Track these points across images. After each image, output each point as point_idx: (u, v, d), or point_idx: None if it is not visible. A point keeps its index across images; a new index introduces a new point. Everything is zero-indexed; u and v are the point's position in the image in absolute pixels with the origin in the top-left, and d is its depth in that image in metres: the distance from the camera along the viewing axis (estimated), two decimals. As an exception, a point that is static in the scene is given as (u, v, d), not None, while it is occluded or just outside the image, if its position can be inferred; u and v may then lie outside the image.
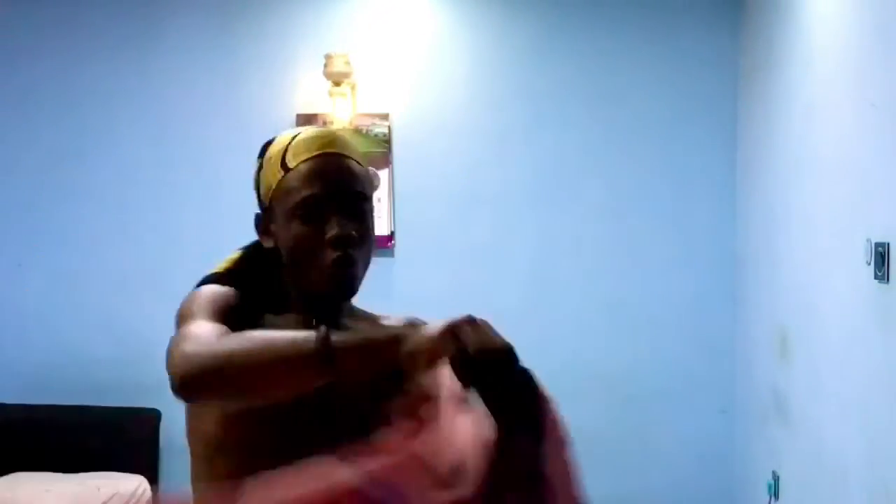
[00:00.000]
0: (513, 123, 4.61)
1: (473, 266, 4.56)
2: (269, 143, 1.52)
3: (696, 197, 4.55)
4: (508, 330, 1.26)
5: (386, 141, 4.52)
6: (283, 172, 1.45)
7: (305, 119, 4.52)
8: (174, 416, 4.56)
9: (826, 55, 3.22)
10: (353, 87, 4.53)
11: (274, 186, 1.46)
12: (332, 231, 1.41)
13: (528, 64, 4.61)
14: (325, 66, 4.43)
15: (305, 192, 1.42)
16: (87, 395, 4.51)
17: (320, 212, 1.42)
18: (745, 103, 4.40)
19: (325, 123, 4.50)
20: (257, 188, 1.52)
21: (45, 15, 4.66)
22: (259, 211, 1.52)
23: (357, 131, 4.52)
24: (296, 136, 1.48)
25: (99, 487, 4.09)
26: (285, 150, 1.46)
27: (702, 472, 4.52)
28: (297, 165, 1.44)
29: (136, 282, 4.62)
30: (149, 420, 4.43)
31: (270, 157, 1.48)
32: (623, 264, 4.57)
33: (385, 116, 4.54)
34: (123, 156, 4.65)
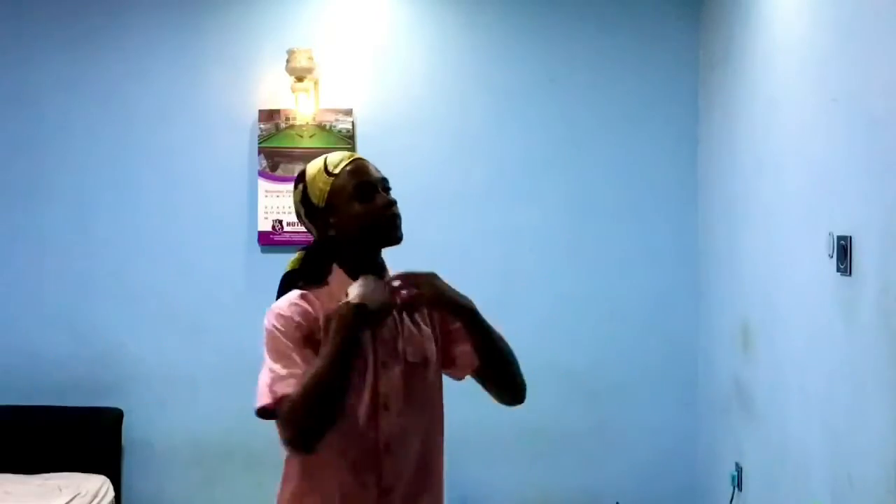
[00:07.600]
0: (476, 119, 4.61)
1: (436, 262, 4.49)
2: (301, 175, 2.06)
3: (659, 192, 4.58)
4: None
5: (350, 137, 4.50)
6: (331, 178, 2.00)
7: (268, 115, 4.49)
8: (136, 415, 4.53)
9: (787, 50, 3.25)
10: (315, 83, 4.50)
11: (328, 189, 1.99)
12: (382, 199, 2.01)
13: (490, 59, 4.61)
14: (288, 61, 4.40)
15: (356, 181, 2.00)
16: (48, 396, 4.46)
17: (370, 191, 2.00)
18: (706, 99, 4.43)
19: (287, 119, 4.48)
20: (304, 203, 2.03)
21: (1, 8, 4.59)
22: (310, 220, 2.04)
23: (320, 127, 4.50)
24: (325, 158, 2.05)
25: (60, 488, 4.04)
26: (324, 167, 2.02)
27: (666, 465, 4.54)
28: (342, 170, 2.01)
29: (97, 280, 4.56)
30: (111, 419, 4.38)
31: (313, 176, 2.02)
32: (586, 260, 4.58)
33: (348, 112, 4.52)
34: (83, 152, 4.58)
